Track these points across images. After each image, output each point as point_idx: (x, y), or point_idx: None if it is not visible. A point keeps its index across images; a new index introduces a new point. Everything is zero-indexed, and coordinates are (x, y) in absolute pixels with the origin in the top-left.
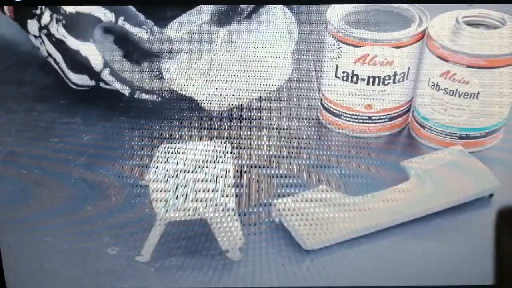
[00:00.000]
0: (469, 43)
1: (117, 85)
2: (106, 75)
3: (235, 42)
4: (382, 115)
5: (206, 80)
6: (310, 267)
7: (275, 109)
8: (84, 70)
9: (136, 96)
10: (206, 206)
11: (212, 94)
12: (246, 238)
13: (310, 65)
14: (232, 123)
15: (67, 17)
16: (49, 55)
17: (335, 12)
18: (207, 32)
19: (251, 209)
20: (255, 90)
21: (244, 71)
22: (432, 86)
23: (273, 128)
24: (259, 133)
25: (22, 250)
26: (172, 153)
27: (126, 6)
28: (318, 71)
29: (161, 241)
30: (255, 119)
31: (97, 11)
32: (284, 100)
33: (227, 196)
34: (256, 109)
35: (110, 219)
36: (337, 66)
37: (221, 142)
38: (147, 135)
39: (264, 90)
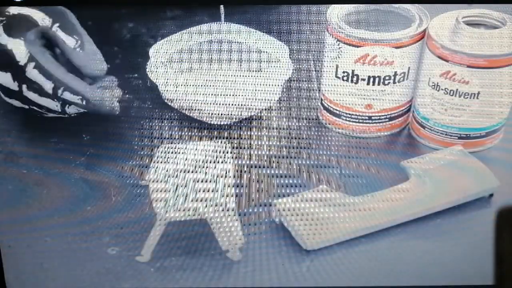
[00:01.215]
0: (469, 43)
1: (40, 80)
2: (30, 70)
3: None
4: (382, 115)
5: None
6: (310, 267)
7: (275, 109)
8: (8, 67)
9: (59, 94)
10: (206, 206)
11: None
12: (246, 238)
13: (310, 65)
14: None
15: (8, 18)
16: None
17: (335, 12)
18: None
19: (251, 209)
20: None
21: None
22: (432, 86)
23: (273, 128)
24: (259, 133)
25: (22, 250)
26: (172, 153)
27: (67, 15)
28: (318, 71)
29: (161, 241)
30: (255, 119)
31: (36, 14)
32: (284, 100)
33: (227, 196)
34: (256, 109)
35: (110, 219)
36: (337, 66)
37: (221, 142)
38: (147, 135)
39: (237, 116)
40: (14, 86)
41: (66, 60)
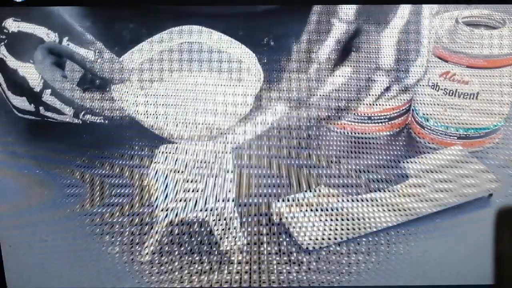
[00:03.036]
0: (469, 44)
1: (59, 105)
2: (47, 96)
3: (193, 75)
4: (382, 115)
5: (162, 107)
6: (310, 267)
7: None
8: (23, 92)
9: (80, 117)
10: (206, 206)
11: (168, 123)
12: (246, 238)
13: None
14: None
15: (9, 36)
16: None
17: None
18: (167, 61)
19: (251, 208)
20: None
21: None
22: (432, 86)
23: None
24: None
25: (22, 250)
26: (171, 152)
27: (71, 26)
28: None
29: (161, 241)
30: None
31: (39, 31)
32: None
33: (226, 195)
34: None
35: (111, 218)
36: None
37: (221, 142)
38: (147, 135)
39: (217, 129)
40: (30, 108)
41: (84, 73)
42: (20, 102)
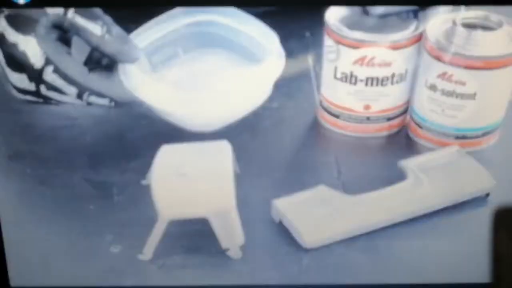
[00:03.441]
0: (466, 45)
1: (61, 84)
2: (48, 73)
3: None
4: (381, 116)
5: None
6: (310, 265)
7: (275, 109)
8: (23, 68)
9: (84, 98)
10: (206, 204)
11: (181, 107)
12: (246, 237)
13: (310, 66)
14: (232, 123)
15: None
16: None
17: (333, 13)
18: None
19: (251, 208)
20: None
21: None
22: (430, 87)
23: (273, 126)
24: (259, 133)
25: (26, 248)
26: (172, 152)
27: None
28: (317, 72)
29: (162, 239)
30: (255, 119)
31: None
32: (284, 100)
33: (227, 195)
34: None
35: (113, 218)
36: (336, 68)
37: (221, 142)
38: (149, 134)
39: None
40: (30, 86)
41: (91, 51)
42: (20, 80)
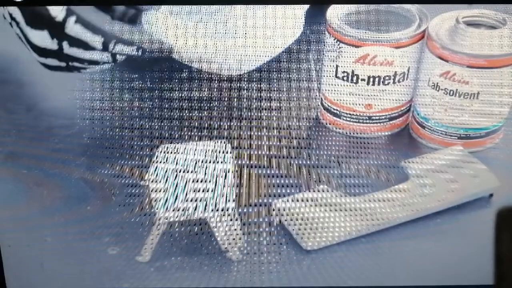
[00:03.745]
0: (469, 43)
1: (85, 35)
2: (71, 26)
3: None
4: (382, 115)
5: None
6: (310, 267)
7: (275, 109)
8: (44, 24)
9: (110, 48)
10: (205, 206)
11: (206, 55)
12: (246, 238)
13: (311, 65)
14: (232, 123)
15: None
16: (11, 16)
17: (335, 12)
18: None
19: (251, 208)
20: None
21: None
22: (432, 86)
23: (273, 128)
24: (259, 133)
25: (22, 250)
26: (171, 153)
27: None
28: (318, 71)
29: (161, 241)
30: (255, 119)
31: None
32: (284, 100)
33: (226, 196)
34: (256, 109)
35: (110, 219)
36: (337, 66)
37: (221, 142)
38: (147, 135)
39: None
40: (52, 45)
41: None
42: (41, 38)
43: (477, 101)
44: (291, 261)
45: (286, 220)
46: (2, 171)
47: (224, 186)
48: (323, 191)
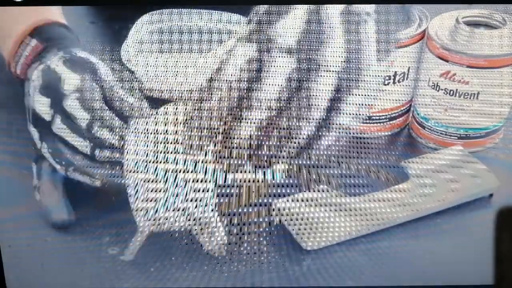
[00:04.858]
0: (469, 43)
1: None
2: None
3: None
4: (382, 115)
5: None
6: (310, 267)
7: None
8: (50, 92)
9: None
10: (187, 217)
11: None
12: (246, 238)
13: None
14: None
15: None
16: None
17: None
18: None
19: (251, 208)
20: None
21: None
22: (432, 86)
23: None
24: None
25: (22, 250)
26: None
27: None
28: None
29: (161, 241)
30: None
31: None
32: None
33: (208, 207)
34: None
35: (110, 219)
36: None
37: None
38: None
39: None
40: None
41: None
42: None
43: (477, 101)
44: (291, 261)
45: (286, 220)
46: (2, 171)
47: (205, 198)
48: (323, 191)
